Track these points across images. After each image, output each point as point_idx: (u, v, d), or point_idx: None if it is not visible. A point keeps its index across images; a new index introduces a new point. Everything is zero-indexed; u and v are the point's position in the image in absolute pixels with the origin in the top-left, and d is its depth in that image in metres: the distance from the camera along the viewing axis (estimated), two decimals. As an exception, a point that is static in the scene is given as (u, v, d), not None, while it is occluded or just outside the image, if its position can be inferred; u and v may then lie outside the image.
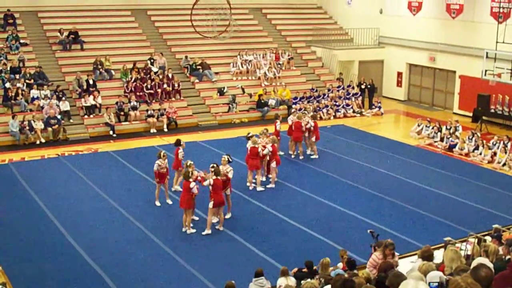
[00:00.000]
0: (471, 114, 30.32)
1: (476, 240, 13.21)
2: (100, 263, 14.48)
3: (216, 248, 15.38)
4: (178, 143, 19.44)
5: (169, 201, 18.27)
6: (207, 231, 16.09)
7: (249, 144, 19.76)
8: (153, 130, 27.79)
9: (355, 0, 37.89)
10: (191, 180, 15.98)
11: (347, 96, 32.53)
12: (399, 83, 35.77)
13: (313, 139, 23.32)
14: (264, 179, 20.35)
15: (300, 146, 23.27)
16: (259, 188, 19.67)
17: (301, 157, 23.13)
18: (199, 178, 16.27)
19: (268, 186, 19.95)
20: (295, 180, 20.63)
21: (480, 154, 23.96)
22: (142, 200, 18.73)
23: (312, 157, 23.27)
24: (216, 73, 32.49)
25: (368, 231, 13.16)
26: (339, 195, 19.27)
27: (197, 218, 16.56)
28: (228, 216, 16.86)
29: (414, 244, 15.11)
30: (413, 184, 20.57)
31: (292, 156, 23.28)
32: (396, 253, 11.37)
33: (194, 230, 16.18)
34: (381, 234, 13.18)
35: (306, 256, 13.27)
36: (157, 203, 18.28)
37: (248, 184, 19.88)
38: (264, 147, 19.78)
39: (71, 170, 21.81)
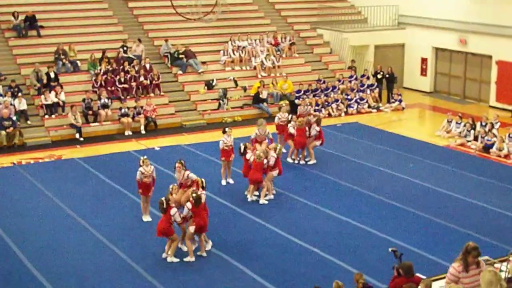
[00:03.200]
0: (511, 108, 30.35)
1: (519, 259, 13.22)
2: (66, 294, 14.46)
3: (206, 274, 15.35)
4: (223, 131, 21.31)
5: (148, 218, 18.23)
6: (190, 258, 15.97)
7: (251, 156, 19.80)
8: (128, 132, 27.79)
9: (369, -28, 37.97)
10: (172, 206, 15.95)
11: (361, 88, 32.58)
12: (423, 72, 35.83)
13: (318, 143, 23.39)
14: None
15: (304, 151, 23.45)
16: (263, 201, 19.67)
17: (301, 162, 23.30)
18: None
19: (265, 197, 19.94)
20: (298, 189, 20.62)
21: (523, 155, 24.07)
22: (116, 217, 18.70)
23: (309, 162, 23.28)
24: (203, 62, 32.50)
25: (390, 249, 13.14)
26: (352, 207, 19.26)
27: (185, 249, 16.46)
28: (208, 247, 16.67)
29: (443, 264, 15.04)
30: (441, 192, 20.58)
31: (296, 162, 23.29)
32: (482, 261, 10.81)
33: (176, 260, 16.03)
34: (404, 254, 13.13)
35: (314, 282, 13.25)
36: (145, 218, 18.27)
37: (248, 197, 19.94)
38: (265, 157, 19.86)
39: (29, 181, 21.77)
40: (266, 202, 19.63)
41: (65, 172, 22.94)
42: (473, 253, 10.11)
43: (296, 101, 30.59)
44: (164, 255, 16.14)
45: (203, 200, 16.19)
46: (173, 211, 15.87)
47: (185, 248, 16.38)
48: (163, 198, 16.01)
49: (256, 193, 19.96)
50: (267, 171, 19.84)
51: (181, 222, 16.13)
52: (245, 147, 20.24)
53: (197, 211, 15.86)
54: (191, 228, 15.88)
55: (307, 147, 23.41)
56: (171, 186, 16.79)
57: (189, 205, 15.88)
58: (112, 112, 28.27)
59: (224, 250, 16.51)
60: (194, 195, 15.82)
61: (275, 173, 20.03)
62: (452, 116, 27.80)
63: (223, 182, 21.16)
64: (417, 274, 12.28)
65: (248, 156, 19.98)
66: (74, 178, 22.22)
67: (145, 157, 18.48)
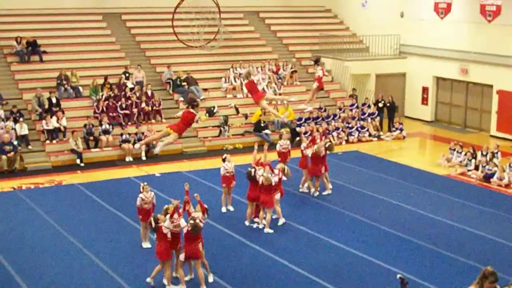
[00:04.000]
0: (512, 137, 30.44)
1: (520, 289, 13.16)
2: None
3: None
4: (223, 160, 21.15)
5: (148, 245, 18.18)
6: (182, 286, 15.79)
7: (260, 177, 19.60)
8: (128, 158, 27.83)
9: (371, 1, 38.15)
10: (162, 224, 15.67)
11: (362, 117, 32.66)
12: (424, 101, 35.92)
13: (322, 170, 22.84)
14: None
15: (317, 181, 22.98)
16: (268, 230, 19.52)
17: (316, 194, 22.93)
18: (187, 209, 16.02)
19: (279, 223, 19.94)
20: (300, 219, 20.55)
21: (524, 185, 24.07)
22: (116, 243, 18.66)
23: (324, 193, 23.11)
24: (205, 89, 32.60)
25: (398, 276, 13.09)
26: (353, 237, 19.22)
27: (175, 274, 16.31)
28: (210, 279, 16.29)
29: (445, 295, 15.09)
30: (442, 222, 20.54)
31: (306, 190, 23.15)
32: None
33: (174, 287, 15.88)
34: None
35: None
36: (144, 245, 18.20)
37: (257, 221, 19.88)
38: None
39: (30, 206, 21.77)
40: (272, 231, 19.56)
41: (65, 197, 22.94)
42: (490, 278, 9.68)
43: (298, 129, 30.76)
44: (148, 280, 15.89)
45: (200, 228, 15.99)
46: (165, 229, 15.51)
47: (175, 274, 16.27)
48: (151, 218, 15.91)
49: (257, 220, 19.95)
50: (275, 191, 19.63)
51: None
52: (255, 171, 20.04)
53: (190, 237, 15.47)
54: (181, 257, 15.56)
55: (321, 177, 22.96)
56: (165, 207, 16.26)
57: (185, 229, 15.48)
58: (113, 138, 28.33)
59: (224, 277, 16.42)
60: (191, 222, 15.42)
61: (277, 196, 19.92)
62: (455, 145, 27.76)
63: (223, 210, 21.15)
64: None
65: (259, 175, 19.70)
66: (74, 203, 22.22)
67: (145, 183, 18.45)
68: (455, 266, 17.17)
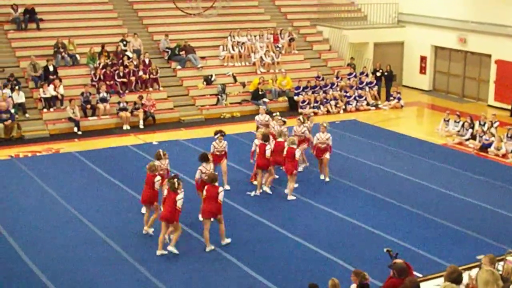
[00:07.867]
0: (509, 107, 30.35)
1: (516, 258, 13.19)
2: (62, 288, 14.45)
3: (204, 270, 15.33)
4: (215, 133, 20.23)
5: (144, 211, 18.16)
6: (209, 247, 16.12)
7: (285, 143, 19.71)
8: (126, 127, 27.77)
9: (369, -31, 37.91)
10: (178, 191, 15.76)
11: (360, 86, 32.56)
12: (422, 70, 35.81)
13: (327, 155, 21.05)
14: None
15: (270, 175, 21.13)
16: (291, 197, 19.61)
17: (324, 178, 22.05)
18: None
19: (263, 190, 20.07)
20: (297, 188, 20.56)
21: (521, 155, 24.06)
22: (113, 210, 18.69)
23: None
24: (202, 57, 32.45)
25: (385, 249, 13.09)
26: (350, 205, 19.25)
27: (167, 237, 16.37)
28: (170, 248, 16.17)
29: (441, 263, 15.08)
30: (439, 191, 20.56)
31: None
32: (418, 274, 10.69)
33: (176, 251, 16.01)
34: (402, 252, 13.11)
35: (311, 279, 13.22)
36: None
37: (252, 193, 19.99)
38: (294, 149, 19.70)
39: (27, 175, 21.74)
40: (294, 197, 19.63)
41: (63, 165, 22.92)
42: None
43: (295, 98, 30.68)
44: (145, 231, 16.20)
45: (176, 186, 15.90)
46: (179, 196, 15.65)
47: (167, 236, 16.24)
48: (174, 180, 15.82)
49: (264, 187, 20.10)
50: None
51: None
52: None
53: (168, 197, 15.68)
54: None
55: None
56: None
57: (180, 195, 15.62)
58: (111, 106, 28.23)
59: (221, 245, 16.49)
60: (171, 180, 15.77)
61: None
62: (450, 115, 27.76)
63: None
64: (414, 273, 12.26)
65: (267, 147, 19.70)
66: (71, 171, 22.20)
67: (163, 150, 18.32)
68: (450, 235, 17.20)
